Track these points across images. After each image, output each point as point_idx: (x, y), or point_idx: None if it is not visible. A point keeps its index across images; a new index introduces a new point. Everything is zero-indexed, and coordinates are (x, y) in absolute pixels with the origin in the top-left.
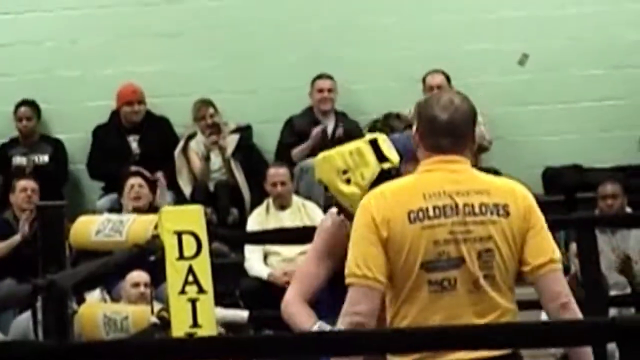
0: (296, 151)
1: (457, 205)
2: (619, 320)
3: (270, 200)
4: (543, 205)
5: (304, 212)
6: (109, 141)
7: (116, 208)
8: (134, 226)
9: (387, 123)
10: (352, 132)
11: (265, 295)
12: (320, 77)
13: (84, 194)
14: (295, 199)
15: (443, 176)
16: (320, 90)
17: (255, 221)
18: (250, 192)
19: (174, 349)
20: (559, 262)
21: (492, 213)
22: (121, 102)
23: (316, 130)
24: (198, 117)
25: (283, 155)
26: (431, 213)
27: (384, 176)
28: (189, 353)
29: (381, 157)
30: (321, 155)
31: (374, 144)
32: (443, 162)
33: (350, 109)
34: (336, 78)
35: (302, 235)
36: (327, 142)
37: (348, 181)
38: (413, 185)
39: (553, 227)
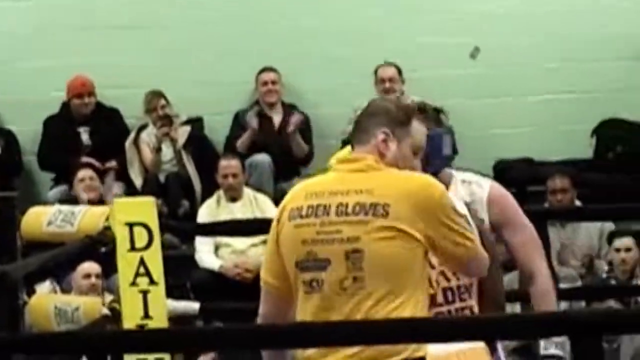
0: (239, 142)
1: (329, 205)
2: (571, 314)
3: (221, 192)
4: None
5: (255, 205)
6: (59, 132)
7: (67, 199)
8: (85, 217)
9: None
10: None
11: (216, 287)
12: (264, 70)
13: (35, 185)
14: (247, 191)
15: (335, 176)
16: (265, 83)
17: (206, 213)
18: (201, 184)
19: (125, 341)
20: (470, 257)
21: (366, 213)
22: (71, 95)
23: (251, 119)
24: (149, 109)
25: (232, 148)
26: (304, 212)
27: None
28: (139, 345)
29: None
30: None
31: None
32: (344, 162)
33: (301, 102)
34: (287, 71)
35: (253, 227)
36: (275, 133)
37: None
38: (308, 183)
39: None
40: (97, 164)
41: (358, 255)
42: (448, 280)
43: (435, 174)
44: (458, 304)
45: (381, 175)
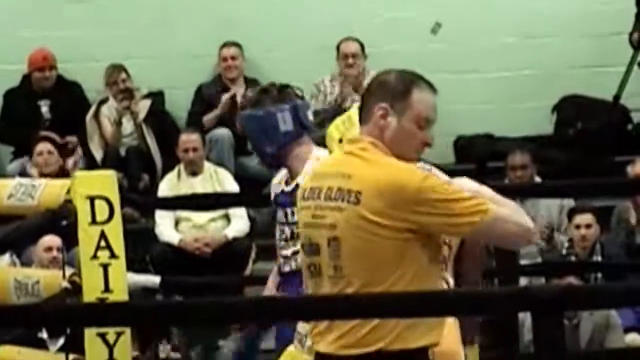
0: (206, 119)
1: (322, 189)
2: (532, 290)
3: (182, 166)
4: (454, 173)
5: (215, 179)
6: (19, 106)
7: (26, 172)
8: (46, 191)
9: None
10: None
11: (176, 261)
12: (225, 45)
13: None
14: (207, 165)
15: (336, 156)
16: (225, 59)
17: (167, 187)
18: (161, 158)
19: (85, 314)
20: (482, 228)
21: (342, 199)
22: (32, 68)
23: (225, 97)
24: (110, 82)
25: (194, 122)
26: (306, 194)
27: None
28: (100, 318)
29: None
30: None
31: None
32: (348, 142)
33: (263, 77)
34: (248, 45)
35: (213, 201)
36: (236, 109)
37: None
38: (320, 162)
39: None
40: (56, 137)
41: (336, 244)
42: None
43: (279, 150)
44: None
45: (363, 161)
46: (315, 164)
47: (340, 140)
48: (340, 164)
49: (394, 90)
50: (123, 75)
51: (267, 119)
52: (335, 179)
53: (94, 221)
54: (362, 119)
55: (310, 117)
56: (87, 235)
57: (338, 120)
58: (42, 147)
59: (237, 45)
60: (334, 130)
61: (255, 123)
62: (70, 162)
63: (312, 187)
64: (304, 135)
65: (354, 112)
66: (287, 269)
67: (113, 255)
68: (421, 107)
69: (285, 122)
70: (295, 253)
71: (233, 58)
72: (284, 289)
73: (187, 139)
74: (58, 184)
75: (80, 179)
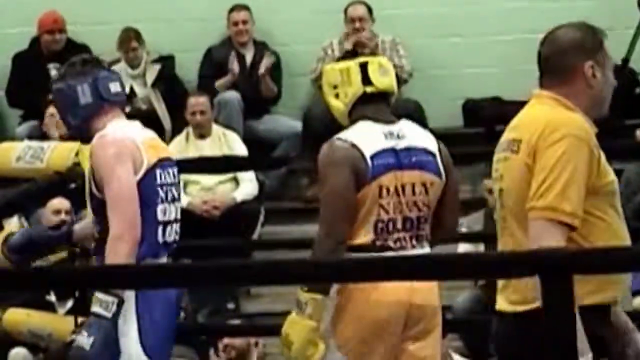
0: (219, 83)
1: (501, 142)
2: (540, 253)
3: (190, 129)
4: (463, 137)
5: (223, 142)
6: (28, 69)
7: (35, 135)
8: (54, 153)
9: None
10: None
11: (184, 223)
12: (234, 8)
13: (4, 120)
14: (215, 128)
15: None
16: (235, 23)
17: (175, 150)
18: (171, 122)
19: (93, 276)
20: None
21: (508, 149)
22: (42, 30)
23: (233, 64)
24: (122, 46)
25: (204, 85)
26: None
27: (366, 98)
28: (108, 280)
29: (366, 80)
30: (326, 66)
31: (363, 66)
32: (533, 97)
33: (271, 39)
34: (256, 7)
35: (221, 164)
36: (247, 72)
37: (337, 96)
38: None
39: (473, 159)
40: None
41: (501, 194)
42: (410, 210)
43: (82, 123)
44: (415, 232)
45: (534, 111)
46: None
47: (335, 87)
48: (517, 116)
49: (592, 46)
50: (134, 44)
51: (68, 92)
52: (510, 131)
53: None
54: (557, 77)
55: (115, 88)
56: None
57: (337, 66)
58: (54, 109)
59: (246, 8)
60: (331, 73)
61: (60, 96)
62: None
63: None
64: (105, 106)
65: (355, 70)
66: None
67: None
68: (610, 53)
69: (85, 95)
70: None
71: (244, 22)
72: None
73: (195, 101)
74: (67, 146)
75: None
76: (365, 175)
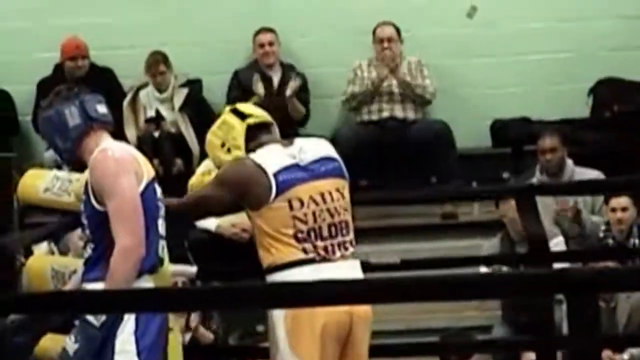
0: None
1: None
2: (566, 272)
3: None
4: (491, 157)
5: None
6: None
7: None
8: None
9: None
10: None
11: (214, 247)
12: (260, 31)
13: (32, 145)
14: None
15: None
16: (261, 45)
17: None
18: (199, 146)
19: (125, 300)
20: None
21: None
22: (65, 57)
23: (257, 86)
24: (150, 69)
25: None
26: None
27: (254, 128)
28: (140, 303)
29: (242, 116)
30: (208, 135)
31: (234, 110)
32: None
33: (299, 62)
34: (284, 30)
35: None
36: (273, 94)
37: (228, 150)
38: None
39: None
40: None
41: None
42: (332, 216)
43: (73, 145)
44: (341, 238)
45: None
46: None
47: (223, 145)
48: None
49: None
50: (162, 68)
51: (57, 117)
52: None
53: None
54: None
55: (102, 109)
56: None
57: (214, 127)
58: None
59: (272, 31)
60: (213, 138)
61: (48, 123)
62: None
63: None
64: (94, 126)
65: (228, 116)
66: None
67: None
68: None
69: (73, 117)
70: None
71: (270, 44)
72: None
73: None
74: None
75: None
76: (268, 192)
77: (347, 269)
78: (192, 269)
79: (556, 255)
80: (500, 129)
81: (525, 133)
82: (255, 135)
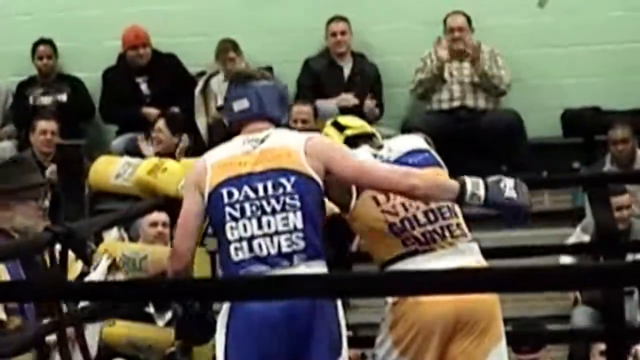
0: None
1: None
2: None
3: None
4: (562, 147)
5: None
6: (118, 84)
7: (130, 149)
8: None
9: None
10: (369, 73)
11: None
12: (333, 19)
13: (102, 134)
14: None
15: None
16: (334, 34)
17: None
18: None
19: (194, 289)
20: None
21: None
22: (126, 47)
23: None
24: (220, 57)
25: (303, 96)
26: None
27: (353, 139)
28: (208, 292)
29: (341, 128)
30: None
31: (334, 123)
32: None
33: (370, 51)
34: (355, 19)
35: None
36: (344, 83)
37: None
38: None
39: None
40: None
41: None
42: (427, 203)
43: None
44: (443, 222)
45: None
46: None
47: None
48: None
49: None
50: (231, 54)
51: (281, 91)
52: None
53: None
54: None
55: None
56: None
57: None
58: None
59: (345, 20)
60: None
61: (272, 92)
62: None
63: None
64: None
65: (328, 129)
66: None
67: None
68: None
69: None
70: None
71: (343, 33)
72: None
73: (299, 110)
74: (174, 169)
75: (189, 165)
76: (348, 193)
77: (453, 257)
78: None
79: (626, 245)
80: (571, 119)
81: (596, 123)
82: (355, 146)
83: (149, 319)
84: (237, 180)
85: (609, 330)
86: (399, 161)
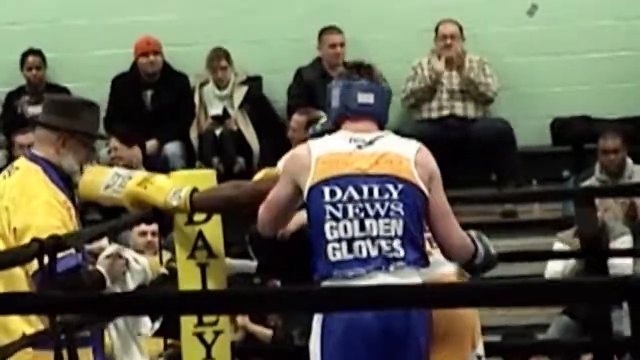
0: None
1: None
2: (631, 279)
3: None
4: (551, 155)
5: None
6: (126, 94)
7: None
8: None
9: None
10: None
11: (274, 240)
12: (329, 30)
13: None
14: None
15: None
16: (333, 46)
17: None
18: (259, 143)
19: (182, 302)
20: None
21: None
22: (138, 54)
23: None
24: (211, 66)
25: (294, 106)
26: None
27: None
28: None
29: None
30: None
31: None
32: None
33: (360, 60)
34: (345, 28)
35: None
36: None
37: None
38: None
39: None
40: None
41: None
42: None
43: None
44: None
45: None
46: None
47: None
48: None
49: None
50: (223, 63)
51: (329, 94)
52: None
53: (190, 221)
54: None
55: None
56: (183, 235)
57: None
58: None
59: (339, 31)
60: None
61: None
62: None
63: None
64: (351, 115)
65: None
66: None
67: (211, 255)
68: None
69: (335, 99)
70: None
71: (342, 45)
72: None
73: (295, 119)
74: (161, 183)
75: (177, 179)
76: None
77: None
78: (252, 265)
79: (611, 252)
80: (561, 127)
81: (586, 131)
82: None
83: None
84: (342, 180)
85: (595, 342)
86: None
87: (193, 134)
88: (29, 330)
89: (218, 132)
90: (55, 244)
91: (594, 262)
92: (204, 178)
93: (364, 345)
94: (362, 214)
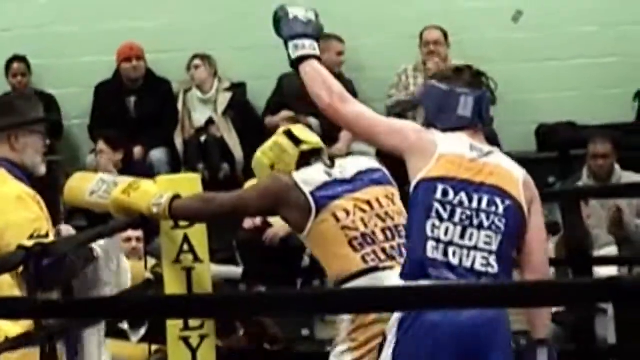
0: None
1: None
2: (616, 280)
3: None
4: (536, 161)
5: None
6: (109, 101)
7: None
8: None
9: None
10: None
11: (262, 247)
12: (332, 38)
13: (76, 149)
14: None
15: None
16: (339, 54)
17: None
18: (243, 150)
19: (166, 306)
20: None
21: None
22: (120, 59)
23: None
24: (189, 69)
25: (272, 111)
26: None
27: (307, 155)
28: (181, 310)
29: (297, 141)
30: (256, 154)
31: (288, 133)
32: None
33: (345, 65)
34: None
35: None
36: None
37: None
38: None
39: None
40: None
41: None
42: (384, 220)
43: (444, 130)
44: (399, 240)
45: None
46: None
47: (272, 167)
48: None
49: None
50: (196, 62)
51: (449, 96)
52: None
53: (176, 225)
54: None
55: (490, 111)
56: (169, 240)
57: (265, 147)
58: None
59: (341, 41)
60: (263, 157)
61: (436, 95)
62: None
63: None
64: (478, 125)
65: (282, 139)
66: None
67: (197, 259)
68: None
69: (466, 108)
70: None
71: (339, 53)
72: None
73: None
74: (146, 188)
75: (162, 183)
76: (307, 213)
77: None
78: (238, 271)
79: (596, 259)
80: (546, 134)
81: (571, 137)
82: (307, 162)
83: (123, 336)
84: (458, 184)
85: (579, 349)
86: (355, 180)
87: (178, 140)
88: (17, 330)
89: (203, 138)
90: (41, 250)
91: (580, 270)
92: (189, 182)
93: (448, 347)
94: (467, 222)
